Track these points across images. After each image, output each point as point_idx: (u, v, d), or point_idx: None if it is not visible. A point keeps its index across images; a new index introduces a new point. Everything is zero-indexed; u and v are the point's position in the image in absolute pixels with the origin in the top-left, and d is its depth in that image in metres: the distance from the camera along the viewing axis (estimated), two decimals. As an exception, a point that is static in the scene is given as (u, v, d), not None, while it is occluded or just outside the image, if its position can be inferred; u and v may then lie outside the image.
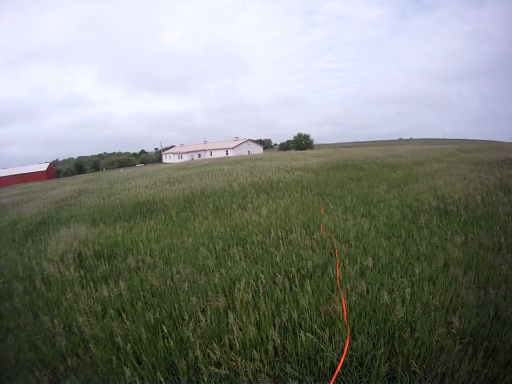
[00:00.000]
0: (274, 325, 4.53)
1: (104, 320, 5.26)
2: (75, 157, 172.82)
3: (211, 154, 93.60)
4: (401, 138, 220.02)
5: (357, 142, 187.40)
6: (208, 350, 4.20)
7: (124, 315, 5.14)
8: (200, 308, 5.19)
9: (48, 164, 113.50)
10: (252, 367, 3.92)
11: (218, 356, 4.07)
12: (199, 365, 4.03)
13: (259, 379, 3.78)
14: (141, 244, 8.69)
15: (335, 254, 6.77)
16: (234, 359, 4.01)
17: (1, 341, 5.32)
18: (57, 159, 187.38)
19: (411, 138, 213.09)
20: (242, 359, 3.96)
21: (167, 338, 4.55)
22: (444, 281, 5.39)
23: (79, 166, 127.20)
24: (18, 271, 7.82)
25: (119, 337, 4.60)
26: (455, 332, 4.20)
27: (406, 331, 4.19)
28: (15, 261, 8.90)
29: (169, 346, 4.42)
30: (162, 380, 3.81)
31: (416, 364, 3.75)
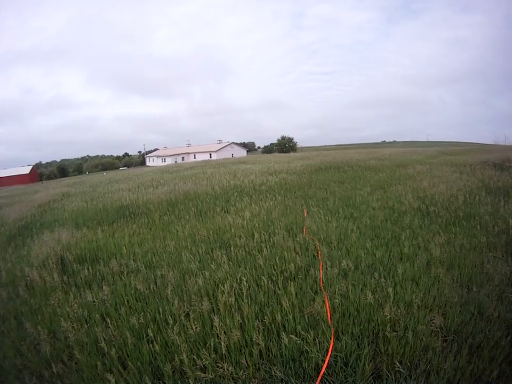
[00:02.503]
0: (258, 328, 4.53)
1: (88, 326, 5.20)
2: (58, 159, 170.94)
3: (195, 158, 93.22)
4: (384, 141, 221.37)
5: (340, 145, 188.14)
6: (193, 355, 4.20)
7: (108, 320, 5.11)
8: (184, 311, 5.16)
9: (31, 166, 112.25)
10: (237, 370, 3.92)
11: (203, 359, 4.05)
12: (184, 369, 4.02)
13: (244, 381, 3.79)
14: (124, 248, 8.63)
15: (318, 256, 6.80)
16: (219, 362, 4.01)
17: (-15, 348, 5.26)
18: (40, 162, 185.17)
19: (394, 141, 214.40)
20: (227, 363, 3.96)
21: (152, 342, 4.52)
22: (427, 281, 5.46)
23: (62, 169, 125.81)
24: (1, 276, 7.73)
25: (103, 343, 4.55)
26: (439, 330, 4.26)
27: (390, 330, 4.23)
28: (-2, 266, 8.79)
29: (154, 350, 4.39)
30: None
31: (401, 362, 3.80)
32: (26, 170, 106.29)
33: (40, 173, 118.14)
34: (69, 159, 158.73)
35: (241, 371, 3.91)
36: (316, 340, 4.22)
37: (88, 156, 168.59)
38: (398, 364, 3.75)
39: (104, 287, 6.18)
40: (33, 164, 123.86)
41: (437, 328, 4.28)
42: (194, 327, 4.62)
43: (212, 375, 3.87)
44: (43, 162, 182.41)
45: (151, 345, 4.48)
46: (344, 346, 4.11)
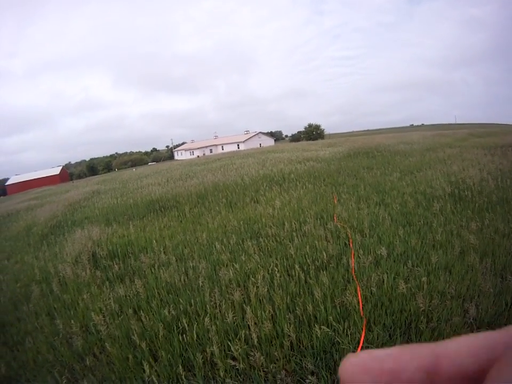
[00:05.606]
0: (289, 319, 4.50)
1: (120, 319, 5.28)
2: (87, 158, 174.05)
3: (222, 149, 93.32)
4: (412, 125, 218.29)
5: (367, 130, 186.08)
6: (224, 346, 4.21)
7: (140, 313, 5.18)
8: (215, 303, 5.18)
9: (61, 167, 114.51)
10: (267, 361, 3.91)
11: (234, 351, 4.06)
12: (215, 360, 4.03)
13: (275, 373, 3.77)
14: (155, 241, 8.69)
15: (349, 244, 6.72)
16: (250, 354, 4.00)
17: (20, 344, 5.41)
18: (69, 162, 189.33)
19: (422, 124, 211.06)
20: (258, 354, 3.94)
21: (183, 334, 4.55)
22: (460, 269, 5.29)
23: (92, 168, 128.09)
24: (34, 274, 7.92)
25: (135, 335, 4.60)
26: (472, 321, 4.14)
27: (422, 321, 4.15)
28: (31, 264, 9.00)
29: (185, 342, 4.43)
30: (179, 375, 3.82)
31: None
32: (56, 171, 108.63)
33: (70, 173, 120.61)
34: (98, 158, 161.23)
35: (272, 364, 3.89)
36: (347, 331, 4.16)
37: (117, 153, 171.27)
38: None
39: (135, 281, 6.26)
40: (63, 165, 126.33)
41: (470, 319, 4.17)
42: (225, 319, 4.63)
43: (242, 365, 3.87)
44: (72, 163, 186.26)
45: (182, 336, 4.51)
46: (376, 337, 4.05)
